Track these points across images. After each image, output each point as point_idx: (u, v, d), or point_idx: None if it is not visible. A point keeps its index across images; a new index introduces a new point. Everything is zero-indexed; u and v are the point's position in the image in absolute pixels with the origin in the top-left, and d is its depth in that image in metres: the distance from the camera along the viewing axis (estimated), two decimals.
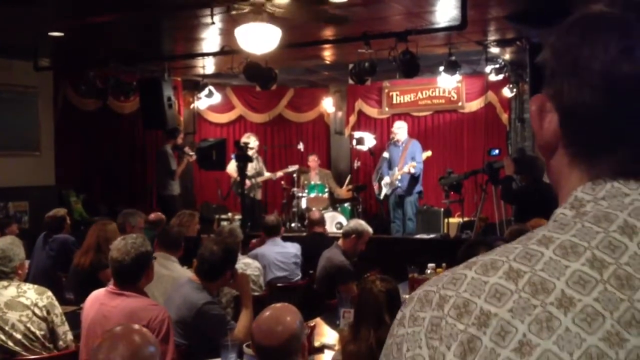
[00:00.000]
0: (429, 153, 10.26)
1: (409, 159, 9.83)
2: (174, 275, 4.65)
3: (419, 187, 9.99)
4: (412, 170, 9.64)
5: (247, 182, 9.34)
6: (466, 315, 0.73)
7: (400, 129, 10.21)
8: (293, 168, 10.72)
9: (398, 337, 0.79)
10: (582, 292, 0.71)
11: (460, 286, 0.76)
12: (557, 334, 0.69)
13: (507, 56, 9.23)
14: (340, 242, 5.88)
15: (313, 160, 11.24)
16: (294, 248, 6.29)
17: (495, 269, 0.75)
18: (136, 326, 2.57)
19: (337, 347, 3.71)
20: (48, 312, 3.88)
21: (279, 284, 5.88)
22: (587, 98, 0.79)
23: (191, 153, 10.01)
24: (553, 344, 0.69)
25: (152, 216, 7.10)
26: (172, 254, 4.94)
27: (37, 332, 3.83)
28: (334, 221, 9.86)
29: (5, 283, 3.88)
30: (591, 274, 0.72)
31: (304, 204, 10.54)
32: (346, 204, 10.75)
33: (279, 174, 10.73)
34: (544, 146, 0.86)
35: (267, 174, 10.60)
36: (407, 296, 5.05)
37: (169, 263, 4.84)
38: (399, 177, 9.81)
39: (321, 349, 3.94)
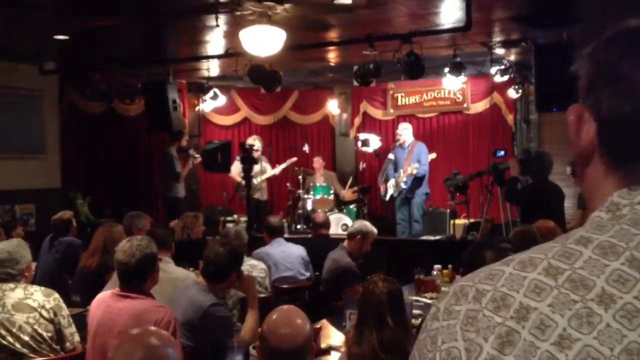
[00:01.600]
0: (433, 155, 10.25)
1: (414, 161, 9.83)
2: (172, 277, 4.59)
3: (425, 189, 9.99)
4: (415, 172, 9.64)
5: (255, 182, 9.34)
6: (504, 309, 0.75)
7: (406, 131, 10.20)
8: (291, 160, 10.70)
9: (432, 330, 0.80)
10: (622, 289, 0.72)
11: (498, 281, 0.77)
12: (598, 329, 0.70)
13: (512, 57, 9.23)
14: (345, 243, 5.87)
15: (318, 162, 11.25)
16: (298, 249, 6.29)
17: (534, 265, 0.77)
18: (153, 328, 2.56)
19: (343, 349, 3.71)
20: (55, 314, 3.89)
21: (284, 286, 5.88)
22: (626, 110, 0.82)
23: (196, 155, 10.03)
24: (593, 339, 0.70)
25: None
26: (164, 254, 4.87)
27: (45, 334, 3.84)
28: (340, 223, 9.86)
29: (12, 285, 3.89)
30: (631, 273, 0.73)
31: (309, 205, 10.54)
32: (352, 206, 10.75)
33: (281, 167, 10.68)
34: (580, 154, 0.88)
35: (269, 171, 10.59)
36: (412, 298, 5.05)
37: (164, 264, 4.79)
38: (404, 179, 9.81)
39: (328, 351, 3.93)
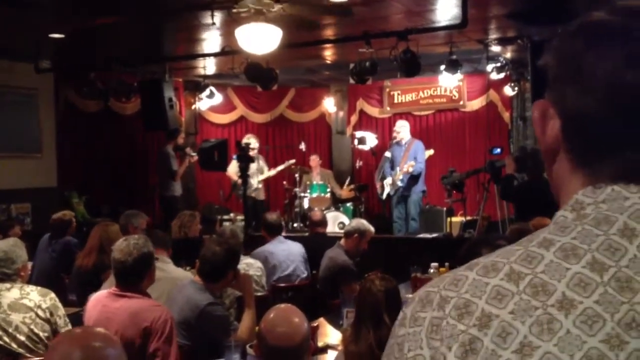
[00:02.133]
0: (431, 152, 10.26)
1: (411, 158, 9.83)
2: (170, 277, 4.59)
3: (422, 186, 9.99)
4: (411, 170, 9.64)
5: (252, 182, 9.33)
6: (467, 316, 0.73)
7: (403, 128, 10.21)
8: (289, 162, 10.71)
9: (399, 337, 0.80)
10: (583, 294, 0.71)
11: (462, 287, 0.76)
12: (558, 335, 0.69)
13: (508, 54, 9.23)
14: (342, 241, 5.87)
15: (314, 160, 11.25)
16: (297, 246, 6.29)
17: (497, 270, 0.76)
18: (96, 328, 2.50)
19: (340, 347, 3.71)
20: (51, 314, 3.89)
21: (281, 284, 5.87)
22: (589, 105, 0.79)
23: (193, 153, 10.02)
24: (554, 346, 0.69)
25: None
26: (161, 253, 4.86)
27: (41, 334, 3.83)
28: (337, 221, 9.86)
29: (8, 285, 3.88)
30: (592, 277, 0.72)
31: (306, 204, 10.55)
32: (348, 204, 10.75)
33: (279, 168, 10.69)
34: (546, 151, 0.86)
35: (266, 172, 10.60)
36: (409, 296, 5.04)
37: (162, 264, 4.79)
38: (401, 177, 9.81)
39: (325, 349, 3.94)
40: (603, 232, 0.75)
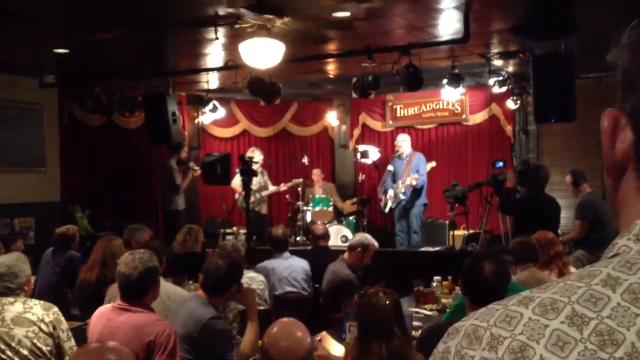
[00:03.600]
0: (433, 164, 10.28)
1: (413, 171, 9.84)
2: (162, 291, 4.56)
3: (424, 200, 10.00)
4: (414, 183, 9.65)
5: (252, 197, 9.34)
6: None
7: (404, 142, 10.23)
8: (297, 181, 10.73)
9: None
10: None
11: (516, 326, 0.68)
12: None
13: (510, 68, 9.25)
14: (345, 255, 5.88)
15: (317, 174, 11.27)
16: (302, 263, 6.27)
17: (556, 310, 0.67)
18: (112, 343, 2.53)
19: None
20: (54, 328, 3.88)
21: (283, 298, 5.87)
22: None
23: (196, 167, 10.03)
24: None
25: None
26: None
27: (44, 348, 3.83)
28: (339, 234, 9.86)
29: (11, 299, 3.89)
30: None
31: (308, 217, 10.55)
32: (351, 217, 10.75)
33: (283, 187, 10.73)
34: (612, 166, 0.77)
35: (271, 188, 10.62)
36: (412, 309, 5.03)
37: None
38: (403, 190, 9.82)
39: None
40: None
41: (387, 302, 3.18)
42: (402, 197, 9.84)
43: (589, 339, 0.64)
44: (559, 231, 6.93)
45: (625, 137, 0.74)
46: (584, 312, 0.66)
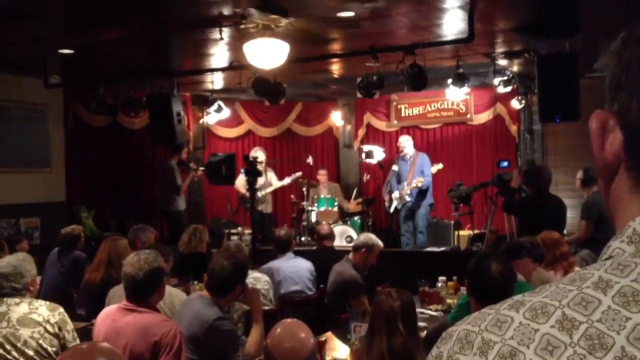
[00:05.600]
0: (439, 166, 10.25)
1: (417, 172, 9.83)
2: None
3: (429, 200, 9.99)
4: (420, 185, 9.65)
5: (258, 194, 9.35)
6: None
7: (407, 143, 10.22)
8: (297, 175, 10.71)
9: None
10: None
11: (507, 331, 0.68)
12: None
13: (515, 68, 9.24)
14: (350, 255, 5.87)
15: (322, 175, 11.26)
16: (306, 263, 6.28)
17: (547, 314, 0.67)
18: (103, 343, 2.52)
19: None
20: (60, 329, 3.89)
21: (288, 298, 5.87)
22: None
23: (196, 168, 10.04)
24: None
25: None
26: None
27: (49, 349, 3.84)
28: (344, 235, 9.85)
29: (17, 300, 3.89)
30: None
31: (313, 217, 10.55)
32: (356, 218, 10.75)
33: (286, 181, 10.70)
34: (603, 168, 0.77)
35: (275, 183, 10.60)
36: (417, 310, 5.02)
37: None
38: (408, 191, 9.81)
39: None
40: None
41: (397, 300, 3.21)
42: (407, 198, 9.84)
43: (579, 343, 0.64)
44: (565, 231, 6.91)
45: (614, 139, 0.75)
46: (574, 315, 0.66)
